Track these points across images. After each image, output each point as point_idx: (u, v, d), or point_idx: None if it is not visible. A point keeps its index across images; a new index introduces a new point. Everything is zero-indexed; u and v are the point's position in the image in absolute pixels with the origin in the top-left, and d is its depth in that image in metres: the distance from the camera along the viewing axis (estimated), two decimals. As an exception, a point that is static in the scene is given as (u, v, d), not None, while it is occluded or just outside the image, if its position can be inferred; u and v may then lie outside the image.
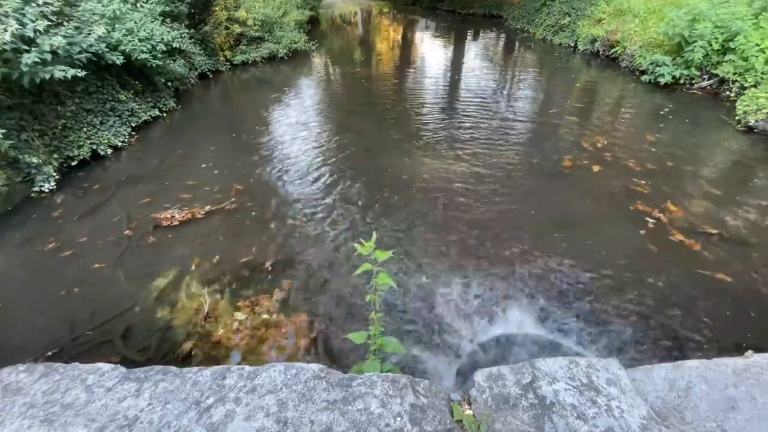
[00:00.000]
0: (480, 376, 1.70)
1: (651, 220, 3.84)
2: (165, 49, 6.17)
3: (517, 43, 12.13)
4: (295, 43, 10.31)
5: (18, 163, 4.18)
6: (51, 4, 4.50)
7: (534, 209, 4.07)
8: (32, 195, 4.26)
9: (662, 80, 7.20)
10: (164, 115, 6.33)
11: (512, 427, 1.46)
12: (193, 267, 3.40)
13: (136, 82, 5.99)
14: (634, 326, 2.79)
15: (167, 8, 7.12)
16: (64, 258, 3.49)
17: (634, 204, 4.08)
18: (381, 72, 9.64)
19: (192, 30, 7.98)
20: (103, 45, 5.09)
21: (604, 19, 9.84)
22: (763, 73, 5.97)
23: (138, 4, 6.39)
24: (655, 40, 7.96)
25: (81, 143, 4.86)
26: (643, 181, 4.46)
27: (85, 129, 4.98)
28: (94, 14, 5.22)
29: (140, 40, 5.64)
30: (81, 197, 4.35)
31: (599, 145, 5.34)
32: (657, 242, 3.57)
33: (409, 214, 4.03)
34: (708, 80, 7.00)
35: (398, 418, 1.48)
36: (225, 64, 8.99)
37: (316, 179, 4.70)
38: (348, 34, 15.19)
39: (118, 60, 5.27)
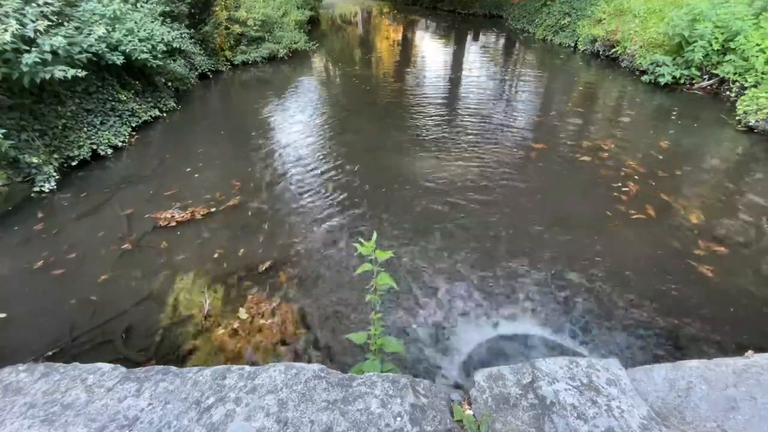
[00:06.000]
0: (480, 376, 1.70)
1: (648, 218, 3.84)
2: (165, 49, 6.17)
3: (517, 43, 12.13)
4: (295, 43, 10.31)
5: (18, 163, 4.18)
6: (51, 4, 4.50)
7: (533, 207, 4.07)
8: (33, 195, 4.26)
9: (662, 80, 7.20)
10: (164, 115, 6.33)
11: (512, 427, 1.46)
12: (193, 267, 3.40)
13: (137, 82, 5.99)
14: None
15: (167, 8, 7.12)
16: (63, 258, 3.49)
17: (631, 202, 4.08)
18: (381, 72, 9.64)
19: (192, 30, 7.98)
20: (104, 45, 5.09)
21: (604, 19, 9.83)
22: (763, 73, 5.97)
23: (138, 4, 6.38)
24: (656, 40, 7.95)
25: (81, 143, 4.86)
26: (641, 180, 4.45)
27: (85, 129, 4.98)
28: (94, 14, 5.22)
29: (140, 40, 5.63)
30: (81, 197, 4.35)
31: (598, 145, 5.34)
32: (654, 239, 3.58)
33: (409, 212, 4.03)
34: (708, 80, 7.00)
35: (398, 418, 1.48)
36: (225, 64, 8.99)
37: (317, 179, 4.69)
38: (348, 34, 15.18)
39: (118, 60, 5.27)
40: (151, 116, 6.03)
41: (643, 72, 7.77)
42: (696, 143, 5.32)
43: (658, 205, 4.05)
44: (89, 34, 4.87)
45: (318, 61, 10.48)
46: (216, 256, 3.52)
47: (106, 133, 5.18)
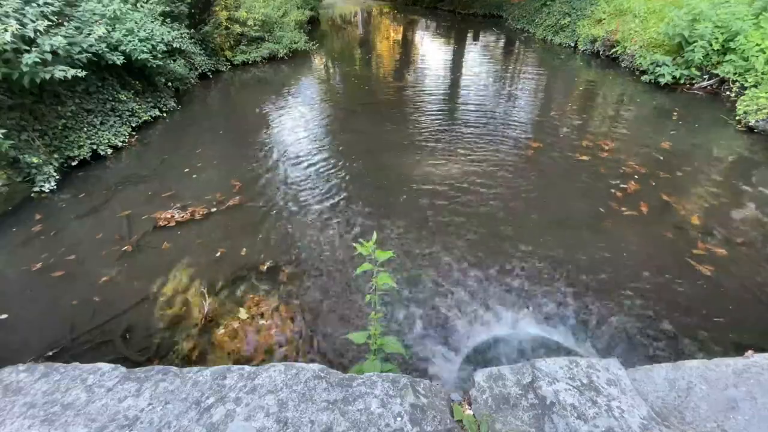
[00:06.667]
0: (480, 376, 1.70)
1: (647, 218, 3.84)
2: (165, 49, 6.17)
3: (517, 43, 12.13)
4: (295, 43, 10.31)
5: (18, 163, 4.17)
6: (51, 4, 4.50)
7: (532, 208, 4.07)
8: (33, 195, 4.25)
9: (662, 80, 7.20)
10: (164, 115, 6.33)
11: (512, 427, 1.46)
12: (193, 267, 3.40)
13: (137, 82, 5.99)
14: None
15: (167, 8, 7.12)
16: (63, 259, 3.49)
17: (630, 201, 4.08)
18: (381, 72, 9.64)
19: (192, 30, 7.98)
20: (104, 45, 5.09)
21: (604, 19, 9.84)
22: (763, 73, 5.97)
23: (138, 4, 6.38)
24: (656, 40, 7.95)
25: (81, 143, 4.86)
26: (641, 180, 4.45)
27: (85, 129, 4.98)
28: (94, 14, 5.22)
29: (140, 41, 5.63)
30: (81, 197, 4.35)
31: (597, 144, 5.34)
32: (653, 239, 3.58)
33: (410, 209, 4.03)
34: (708, 80, 7.00)
35: (398, 418, 1.48)
36: (225, 64, 8.99)
37: (317, 178, 4.69)
38: (348, 34, 15.18)
39: (119, 60, 5.27)
40: (151, 116, 6.03)
41: (643, 72, 7.77)
42: (696, 143, 5.31)
43: (658, 205, 4.05)
44: (89, 34, 4.87)
45: (318, 61, 10.48)
46: (217, 255, 3.52)
47: (106, 133, 5.18)
